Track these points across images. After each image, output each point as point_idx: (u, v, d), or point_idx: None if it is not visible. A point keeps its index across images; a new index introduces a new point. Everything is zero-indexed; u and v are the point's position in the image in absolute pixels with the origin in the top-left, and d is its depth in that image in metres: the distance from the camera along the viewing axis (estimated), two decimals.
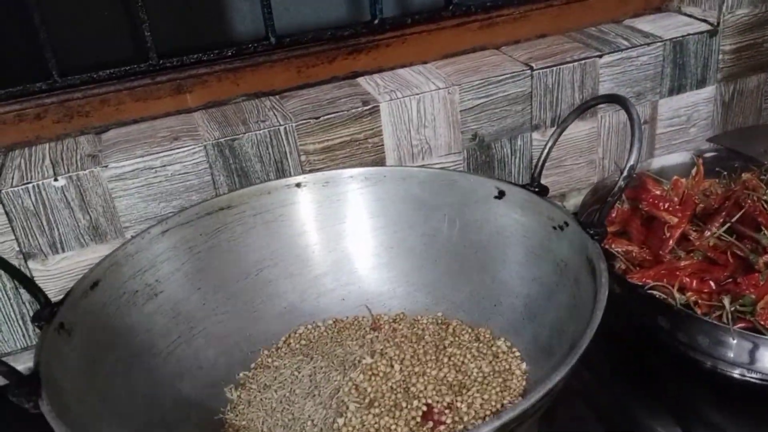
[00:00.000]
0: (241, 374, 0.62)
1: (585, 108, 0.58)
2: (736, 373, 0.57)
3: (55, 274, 0.70)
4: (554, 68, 0.82)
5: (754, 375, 0.57)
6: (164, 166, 0.70)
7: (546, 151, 0.61)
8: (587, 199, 0.74)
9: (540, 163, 0.61)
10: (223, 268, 0.64)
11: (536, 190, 0.60)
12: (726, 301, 0.56)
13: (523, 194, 0.61)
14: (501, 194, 0.63)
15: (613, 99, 0.55)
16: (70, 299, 0.52)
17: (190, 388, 0.57)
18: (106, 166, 0.67)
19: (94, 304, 0.54)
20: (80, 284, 0.54)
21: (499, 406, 0.53)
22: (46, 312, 0.50)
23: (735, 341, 0.54)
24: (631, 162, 0.51)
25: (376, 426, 0.52)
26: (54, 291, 0.70)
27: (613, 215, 0.72)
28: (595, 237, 0.53)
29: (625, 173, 0.51)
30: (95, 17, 0.72)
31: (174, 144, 0.70)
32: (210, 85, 0.78)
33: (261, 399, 0.57)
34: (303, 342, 0.64)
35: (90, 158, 0.69)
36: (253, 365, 0.63)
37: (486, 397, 0.53)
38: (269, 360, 0.62)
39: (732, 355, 0.56)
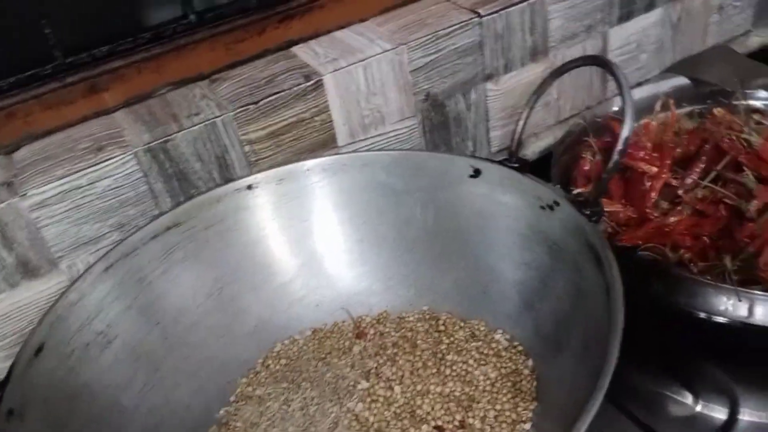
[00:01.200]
0: (221, 411, 0.56)
1: (563, 71, 0.53)
2: (739, 327, 0.55)
3: None
4: (502, 12, 0.76)
5: (755, 325, 0.54)
6: (92, 183, 0.61)
7: (522, 121, 0.55)
8: (558, 154, 0.69)
9: (517, 137, 0.56)
10: (179, 293, 0.58)
11: (516, 165, 0.55)
12: (727, 260, 0.53)
13: (502, 171, 0.56)
14: (476, 173, 0.57)
15: (596, 61, 0.50)
16: (13, 378, 0.45)
17: None
18: (25, 195, 0.59)
19: (42, 373, 0.47)
20: (22, 355, 0.47)
21: (514, 415, 0.49)
22: None
23: (741, 301, 0.52)
24: (625, 133, 0.46)
25: None
26: None
27: (586, 168, 0.68)
28: (592, 218, 0.48)
29: (619, 146, 0.47)
30: None
31: (99, 156, 0.62)
32: (128, 79, 0.68)
33: None
34: (283, 362, 0.58)
35: (5, 187, 0.60)
36: (233, 398, 0.57)
37: (498, 407, 0.50)
38: (250, 389, 0.57)
39: (736, 313, 0.54)
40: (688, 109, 0.73)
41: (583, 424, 0.35)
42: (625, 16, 0.85)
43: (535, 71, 0.82)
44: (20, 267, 0.61)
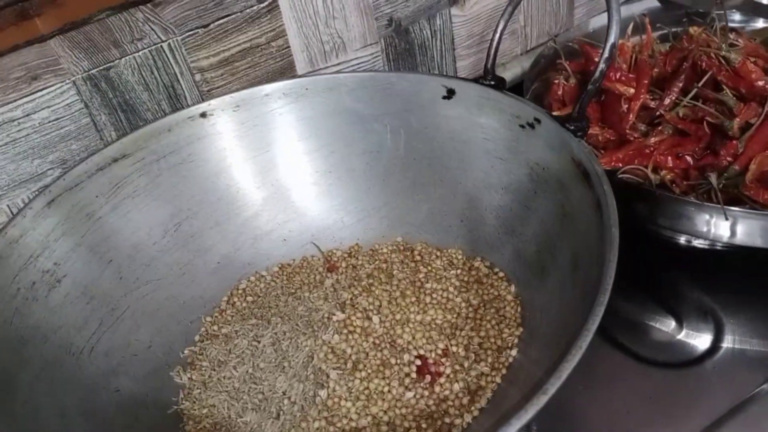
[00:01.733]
0: (186, 351, 0.52)
1: None
2: (719, 246, 0.53)
3: None
4: None
5: (737, 245, 0.53)
6: (28, 115, 0.56)
7: (498, 35, 0.52)
8: (530, 77, 0.66)
9: (493, 51, 0.52)
10: (133, 230, 0.53)
11: (492, 83, 0.52)
12: (713, 178, 0.51)
13: (478, 90, 0.52)
14: (450, 93, 0.54)
15: None
16: None
17: (129, 384, 0.48)
18: None
19: None
20: None
21: (499, 342, 0.47)
22: None
23: (729, 220, 0.50)
24: (612, 40, 0.43)
25: (366, 392, 0.45)
26: None
27: (560, 93, 0.65)
28: (577, 134, 0.45)
29: (605, 53, 0.44)
30: None
31: (34, 85, 0.56)
32: (62, 3, 0.62)
33: (219, 379, 0.48)
34: (250, 299, 0.54)
35: None
36: (197, 338, 0.53)
37: (483, 334, 0.47)
38: (215, 328, 0.53)
39: (716, 232, 0.52)
40: (662, 32, 0.70)
41: (578, 350, 0.32)
42: None
43: None
44: None
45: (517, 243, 0.50)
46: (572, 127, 0.46)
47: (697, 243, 0.55)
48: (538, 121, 0.49)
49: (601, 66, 0.44)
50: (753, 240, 0.52)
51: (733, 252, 0.53)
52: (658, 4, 0.76)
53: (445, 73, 0.79)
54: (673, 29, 0.69)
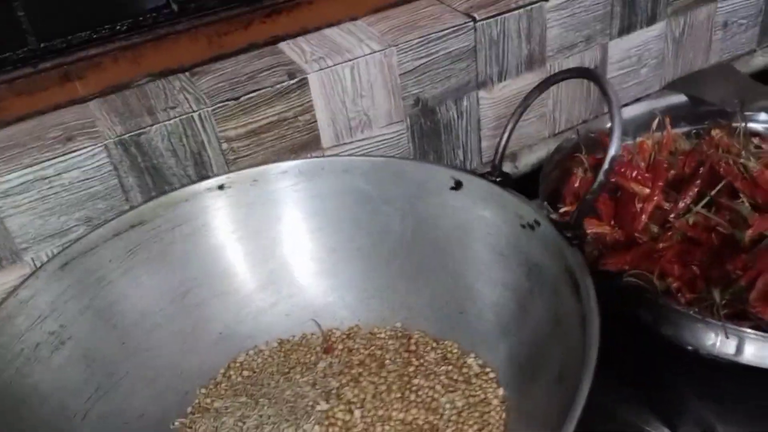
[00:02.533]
0: (176, 422, 0.53)
1: (551, 83, 0.50)
2: (725, 363, 0.52)
3: None
4: (498, 17, 0.73)
5: (743, 364, 0.52)
6: (59, 174, 0.59)
7: (507, 134, 0.53)
8: (547, 169, 0.67)
9: (501, 149, 0.53)
10: (141, 296, 0.55)
11: (498, 180, 0.52)
12: (716, 294, 0.50)
13: (483, 185, 0.53)
14: (457, 185, 0.55)
15: (586, 74, 0.47)
16: None
17: None
18: None
19: None
20: None
21: None
22: None
23: (728, 338, 0.49)
24: (612, 153, 0.44)
25: None
26: None
27: (576, 186, 0.66)
28: (573, 242, 0.46)
29: (606, 166, 0.44)
30: None
31: (68, 146, 0.59)
32: (105, 68, 0.66)
33: None
34: (245, 373, 0.55)
35: None
36: (189, 409, 0.54)
37: None
38: (208, 401, 0.54)
39: (723, 349, 0.51)
40: (686, 129, 0.70)
41: None
42: (626, 29, 0.83)
43: (531, 80, 0.80)
44: None
45: (512, 343, 0.50)
46: (569, 235, 0.46)
47: (701, 354, 0.54)
48: (537, 223, 0.49)
49: (601, 178, 0.44)
50: (760, 360, 0.51)
51: (738, 369, 0.52)
52: (687, 99, 0.76)
53: (470, 153, 0.81)
54: (698, 127, 0.69)
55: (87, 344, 0.51)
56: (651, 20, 0.84)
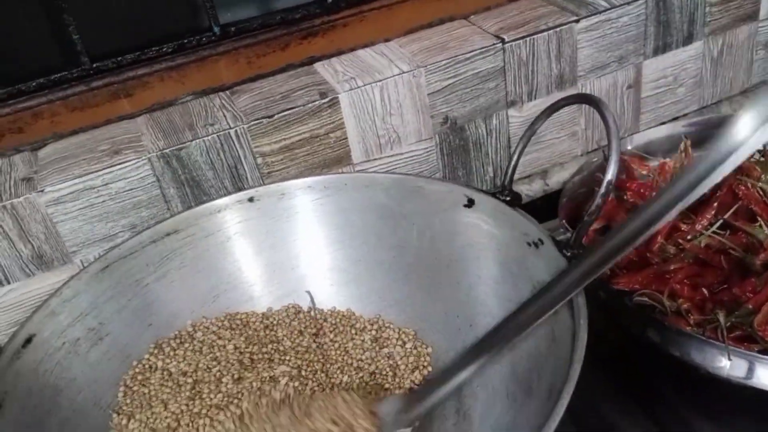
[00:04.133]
0: None
1: (554, 110, 0.52)
2: (730, 385, 0.53)
3: (5, 306, 0.65)
4: (528, 39, 0.75)
5: (750, 388, 0.52)
6: (106, 184, 0.64)
7: (516, 156, 0.55)
8: (569, 186, 0.68)
9: (510, 170, 0.55)
10: (174, 299, 0.59)
11: (507, 199, 0.55)
12: (721, 317, 0.51)
13: (494, 204, 0.55)
14: (470, 203, 0.57)
15: (585, 99, 0.49)
16: None
17: None
18: (42, 191, 0.62)
19: (28, 364, 0.50)
20: (9, 345, 0.49)
21: None
22: None
23: (731, 360, 0.50)
24: (609, 177, 0.45)
25: None
26: (4, 325, 0.65)
27: None
28: (572, 261, 0.47)
29: (602, 190, 0.46)
30: (15, 24, 0.65)
31: (115, 159, 0.64)
32: (152, 87, 0.71)
33: None
34: None
35: (25, 182, 0.63)
36: None
37: None
38: None
39: (727, 370, 0.52)
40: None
41: None
42: (661, 49, 0.83)
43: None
44: (36, 259, 0.64)
45: (514, 357, 0.52)
46: (568, 254, 0.48)
47: (706, 376, 0.55)
48: (541, 241, 0.51)
49: (598, 201, 0.46)
50: (764, 383, 0.51)
51: (743, 391, 0.52)
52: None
53: (500, 170, 0.82)
54: None
55: (124, 341, 0.56)
56: (687, 40, 0.85)
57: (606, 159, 0.46)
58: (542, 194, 0.84)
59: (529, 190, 0.84)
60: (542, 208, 0.70)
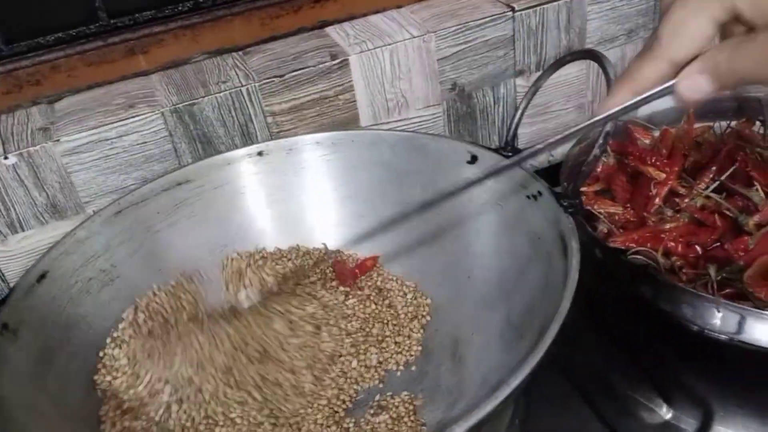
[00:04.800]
0: None
1: (558, 66, 0.54)
2: (721, 340, 0.54)
3: (18, 253, 0.67)
4: (538, 8, 0.76)
5: (740, 342, 0.54)
6: (120, 136, 0.66)
7: (520, 112, 0.56)
8: (571, 151, 0.69)
9: (514, 125, 0.56)
10: (183, 245, 0.61)
11: (510, 154, 0.56)
12: (711, 270, 0.52)
13: (496, 159, 0.57)
14: (473, 159, 0.58)
15: (588, 55, 0.50)
16: (14, 297, 0.50)
17: None
18: (58, 140, 0.64)
19: (42, 297, 0.52)
20: (25, 279, 0.52)
21: None
22: None
23: (721, 313, 0.51)
24: (607, 128, 0.47)
25: None
26: (17, 271, 0.68)
27: (598, 171, 0.68)
28: (568, 210, 0.49)
29: (600, 140, 0.47)
30: None
31: (129, 112, 0.66)
32: (167, 45, 0.73)
33: None
34: None
35: (41, 132, 0.65)
36: None
37: None
38: None
39: (718, 325, 0.53)
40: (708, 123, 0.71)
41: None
42: None
43: (570, 71, 0.82)
44: (50, 207, 0.66)
45: (510, 305, 0.53)
46: (565, 203, 0.49)
47: (697, 329, 0.56)
48: (540, 193, 0.52)
49: (596, 151, 0.47)
50: (754, 338, 0.52)
51: (733, 346, 0.54)
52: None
53: (505, 138, 0.83)
54: (723, 122, 0.70)
55: (133, 283, 0.58)
56: None
57: None
58: (547, 165, 0.85)
59: (534, 160, 0.85)
60: (546, 178, 0.71)
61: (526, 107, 0.56)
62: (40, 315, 0.51)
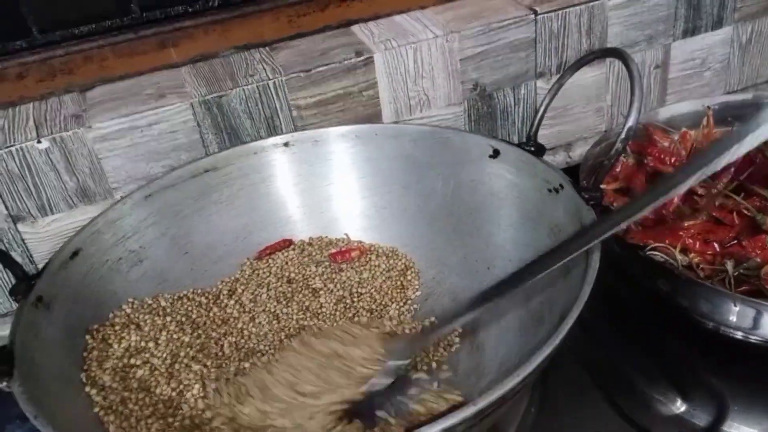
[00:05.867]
0: None
1: (582, 63, 0.55)
2: (738, 336, 0.55)
3: (46, 236, 0.69)
4: (559, 12, 0.78)
5: (756, 338, 0.54)
6: (150, 125, 0.68)
7: (543, 108, 0.57)
8: (591, 151, 0.71)
9: (536, 121, 0.58)
10: (210, 231, 0.63)
11: (532, 149, 0.57)
12: (729, 265, 0.53)
13: (518, 154, 0.58)
14: (495, 153, 0.60)
15: (612, 53, 0.52)
16: (48, 271, 0.51)
17: None
18: (90, 127, 0.65)
19: (74, 274, 0.53)
20: (59, 254, 0.53)
21: None
22: (22, 286, 0.49)
23: (737, 308, 0.52)
24: (630, 123, 0.48)
25: None
26: (45, 253, 0.69)
27: (617, 170, 0.69)
28: (589, 202, 0.50)
29: (623, 135, 0.48)
30: None
31: (159, 102, 0.68)
32: (196, 39, 0.75)
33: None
34: None
35: (74, 118, 0.67)
36: None
37: None
38: None
39: (734, 320, 0.54)
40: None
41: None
42: (690, 31, 0.85)
43: (590, 74, 0.83)
44: (79, 192, 0.68)
45: (528, 292, 0.54)
46: (587, 196, 0.51)
47: (713, 325, 0.57)
48: (561, 186, 0.54)
49: (618, 145, 0.49)
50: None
51: (749, 342, 0.55)
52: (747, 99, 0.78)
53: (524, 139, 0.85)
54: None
55: (162, 265, 0.60)
56: (717, 24, 0.86)
57: (629, 106, 0.49)
58: (565, 166, 0.87)
59: (553, 161, 0.87)
60: None
61: (549, 103, 0.57)
62: (73, 290, 0.53)
